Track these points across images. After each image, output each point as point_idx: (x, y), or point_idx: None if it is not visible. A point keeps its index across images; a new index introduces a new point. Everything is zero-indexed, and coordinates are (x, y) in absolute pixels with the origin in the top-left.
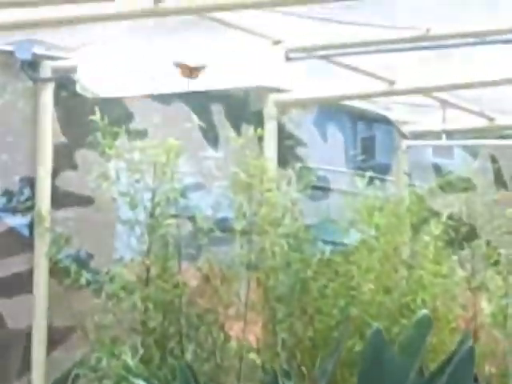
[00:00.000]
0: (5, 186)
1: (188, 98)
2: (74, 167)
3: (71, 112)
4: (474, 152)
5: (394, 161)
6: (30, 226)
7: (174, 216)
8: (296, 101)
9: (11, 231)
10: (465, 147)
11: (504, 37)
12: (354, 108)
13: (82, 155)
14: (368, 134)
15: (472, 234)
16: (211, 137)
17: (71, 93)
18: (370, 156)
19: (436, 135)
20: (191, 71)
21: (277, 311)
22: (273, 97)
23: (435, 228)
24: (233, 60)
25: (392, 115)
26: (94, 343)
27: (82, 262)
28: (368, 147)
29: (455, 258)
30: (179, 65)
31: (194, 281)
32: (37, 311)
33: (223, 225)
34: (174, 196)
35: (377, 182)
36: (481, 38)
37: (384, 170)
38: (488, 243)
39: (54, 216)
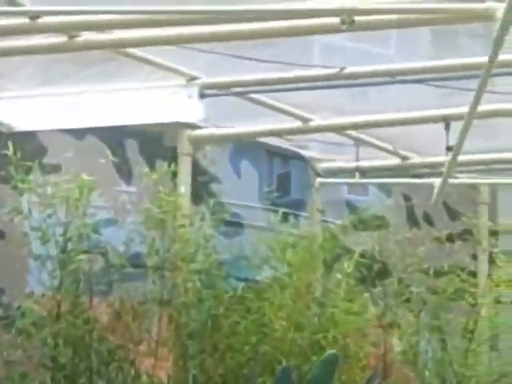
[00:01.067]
0: None
1: (102, 132)
2: None
3: None
4: (387, 190)
5: (308, 197)
6: None
7: (86, 251)
8: (210, 137)
9: None
10: (379, 185)
11: (416, 76)
12: (270, 145)
13: None
14: (284, 171)
15: (384, 272)
16: (125, 172)
17: None
18: (286, 192)
19: (350, 173)
20: None
21: (188, 347)
22: (187, 133)
23: (347, 265)
24: (147, 96)
25: (308, 153)
26: (3, 379)
27: None
28: (284, 183)
29: (367, 295)
30: None
31: (105, 316)
32: None
33: (135, 260)
34: (86, 231)
35: (291, 218)
36: (393, 78)
37: (299, 206)
38: (400, 281)
39: None
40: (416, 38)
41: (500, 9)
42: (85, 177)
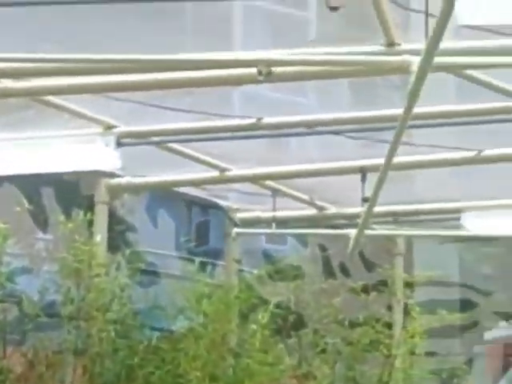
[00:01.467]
0: None
1: (18, 180)
2: None
3: None
4: (303, 240)
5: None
6: None
7: (0, 300)
8: (127, 186)
9: None
10: (295, 235)
11: (334, 127)
12: (188, 194)
13: None
14: (203, 219)
15: (300, 323)
16: (41, 220)
17: None
18: (204, 241)
19: (267, 223)
20: None
21: None
22: (104, 181)
23: (263, 316)
24: (65, 144)
25: (226, 203)
26: None
27: None
28: (202, 232)
29: (282, 346)
30: None
31: (18, 366)
32: None
33: (50, 310)
34: (1, 280)
35: (208, 268)
36: (311, 128)
37: (217, 255)
38: (315, 332)
39: None
40: (335, 88)
41: (415, 62)
42: (0, 225)
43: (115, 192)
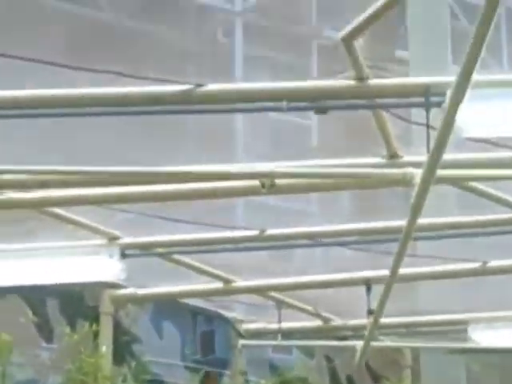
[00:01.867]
0: None
1: (23, 291)
2: None
3: None
4: (309, 351)
5: (232, 356)
6: None
7: None
8: (132, 297)
9: None
10: (301, 347)
11: (341, 239)
12: (192, 305)
13: None
14: (208, 330)
15: None
16: (46, 331)
17: None
18: (210, 351)
19: (273, 334)
20: None
21: None
22: (109, 292)
23: None
24: (69, 255)
25: (231, 314)
26: None
27: None
28: (207, 342)
29: None
30: None
31: None
32: None
33: None
34: None
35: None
36: (316, 240)
37: (223, 364)
38: None
39: None
40: (338, 196)
41: (417, 174)
42: (4, 336)
43: (120, 303)
